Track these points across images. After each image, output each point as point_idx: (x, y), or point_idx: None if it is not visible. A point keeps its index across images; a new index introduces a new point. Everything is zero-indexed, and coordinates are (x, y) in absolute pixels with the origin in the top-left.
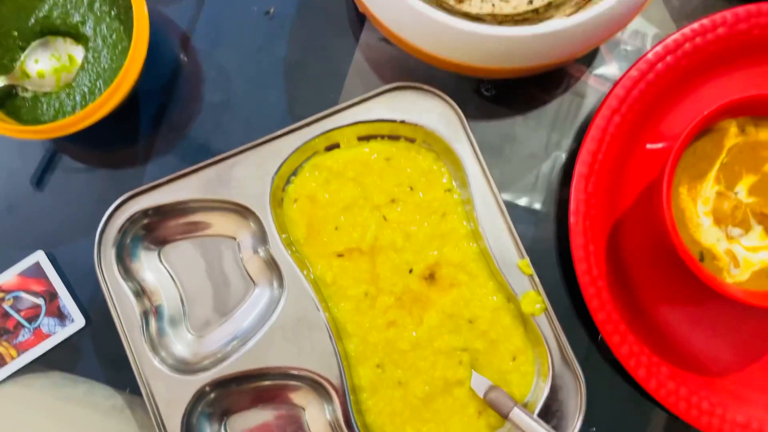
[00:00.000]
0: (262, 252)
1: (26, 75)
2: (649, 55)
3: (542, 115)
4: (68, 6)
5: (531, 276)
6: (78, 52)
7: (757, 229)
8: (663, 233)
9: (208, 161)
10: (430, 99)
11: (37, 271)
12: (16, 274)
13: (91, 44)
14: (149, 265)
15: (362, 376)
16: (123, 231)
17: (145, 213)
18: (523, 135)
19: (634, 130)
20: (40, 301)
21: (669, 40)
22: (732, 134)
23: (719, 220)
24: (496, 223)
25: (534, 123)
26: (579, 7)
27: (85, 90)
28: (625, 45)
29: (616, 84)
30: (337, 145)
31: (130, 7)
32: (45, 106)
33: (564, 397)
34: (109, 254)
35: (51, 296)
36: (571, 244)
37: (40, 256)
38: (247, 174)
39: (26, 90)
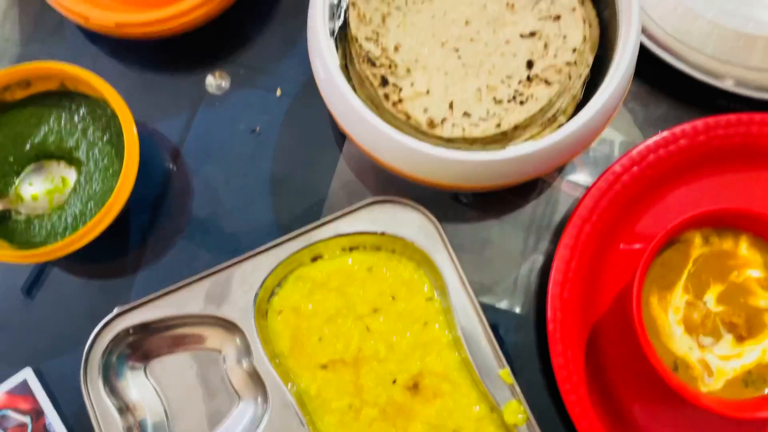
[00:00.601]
0: (246, 364)
1: (20, 198)
2: (616, 167)
3: (518, 219)
4: (63, 132)
5: (512, 385)
6: (71, 175)
7: (728, 338)
8: (635, 344)
9: (194, 277)
10: (409, 211)
11: (24, 388)
12: (3, 391)
13: (83, 168)
14: (135, 383)
15: None
16: (109, 351)
17: (130, 331)
18: (500, 239)
19: (605, 236)
20: (27, 420)
21: (634, 152)
22: (697, 245)
23: (690, 329)
24: (477, 331)
25: (510, 227)
26: (544, 127)
27: (77, 212)
28: (594, 152)
29: (585, 194)
30: (320, 257)
31: (122, 133)
32: (37, 228)
33: None
34: (95, 374)
35: (37, 414)
36: (551, 351)
37: (27, 374)
38: (233, 289)
39: (19, 213)
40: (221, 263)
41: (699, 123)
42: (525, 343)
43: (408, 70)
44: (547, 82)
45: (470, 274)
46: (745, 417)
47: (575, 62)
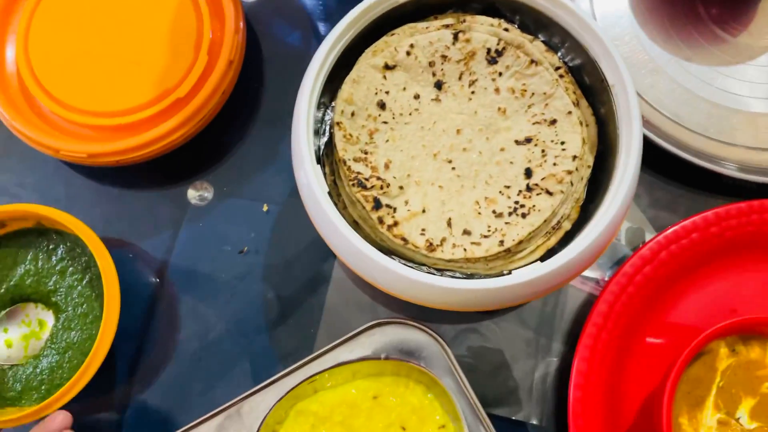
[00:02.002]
0: None
1: None
2: (627, 268)
3: (528, 322)
4: (40, 273)
5: None
6: (49, 318)
7: None
8: None
9: (190, 425)
10: (415, 332)
11: None
12: None
13: (61, 314)
14: None
15: None
16: None
17: None
18: (510, 344)
19: (622, 340)
20: None
21: (645, 250)
22: (723, 355)
23: None
24: None
25: (524, 336)
26: (549, 237)
27: (54, 363)
28: (612, 248)
29: (597, 300)
30: (321, 388)
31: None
32: (11, 381)
33: None
34: None
35: None
36: None
37: None
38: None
39: None
40: (215, 396)
41: (710, 214)
42: None
43: (401, 188)
44: (549, 192)
45: (482, 387)
46: None
47: (576, 169)
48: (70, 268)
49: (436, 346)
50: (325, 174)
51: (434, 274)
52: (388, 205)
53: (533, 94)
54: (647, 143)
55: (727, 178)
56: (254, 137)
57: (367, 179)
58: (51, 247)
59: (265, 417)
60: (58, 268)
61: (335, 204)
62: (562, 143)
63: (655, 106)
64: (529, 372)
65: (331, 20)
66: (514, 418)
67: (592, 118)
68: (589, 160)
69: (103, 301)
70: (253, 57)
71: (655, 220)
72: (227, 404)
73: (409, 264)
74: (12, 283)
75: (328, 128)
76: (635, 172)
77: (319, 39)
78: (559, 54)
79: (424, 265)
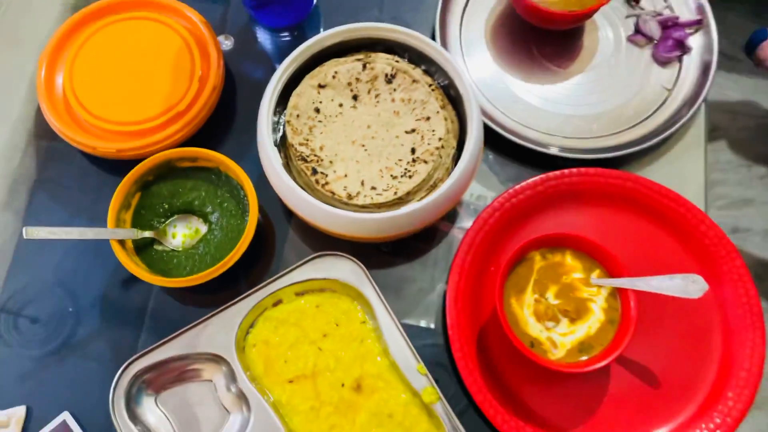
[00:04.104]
0: (233, 388)
1: (165, 234)
2: (483, 214)
3: (426, 260)
4: (206, 201)
5: (426, 375)
6: (203, 228)
7: (564, 321)
8: (504, 333)
9: (186, 327)
10: (343, 261)
11: (63, 428)
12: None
13: (213, 227)
14: (150, 411)
15: None
16: (129, 386)
17: (145, 370)
18: (413, 275)
19: (480, 263)
20: None
21: (495, 203)
22: (538, 260)
23: (539, 318)
24: (399, 342)
25: (420, 266)
26: (428, 192)
27: (197, 258)
28: (475, 206)
29: (464, 237)
30: (280, 301)
31: (247, 211)
32: (170, 261)
33: None
34: (121, 405)
35: None
36: (452, 348)
37: (66, 416)
38: (218, 330)
39: (160, 245)
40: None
41: (537, 178)
42: (436, 347)
43: (330, 162)
44: (425, 162)
45: (393, 304)
46: (578, 371)
47: (442, 146)
48: (227, 203)
49: (360, 271)
50: (280, 158)
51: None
52: (322, 173)
53: (415, 101)
54: (499, 136)
55: (553, 156)
56: (231, 139)
57: (307, 156)
58: (220, 184)
59: (240, 321)
60: (218, 200)
61: (288, 174)
62: (433, 131)
63: (504, 112)
64: (426, 294)
65: (281, 60)
66: (417, 324)
67: (455, 117)
68: (453, 143)
69: (242, 230)
70: (230, 86)
71: (507, 185)
72: (215, 311)
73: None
74: (187, 199)
75: (281, 127)
76: (474, 151)
77: (272, 73)
78: (434, 77)
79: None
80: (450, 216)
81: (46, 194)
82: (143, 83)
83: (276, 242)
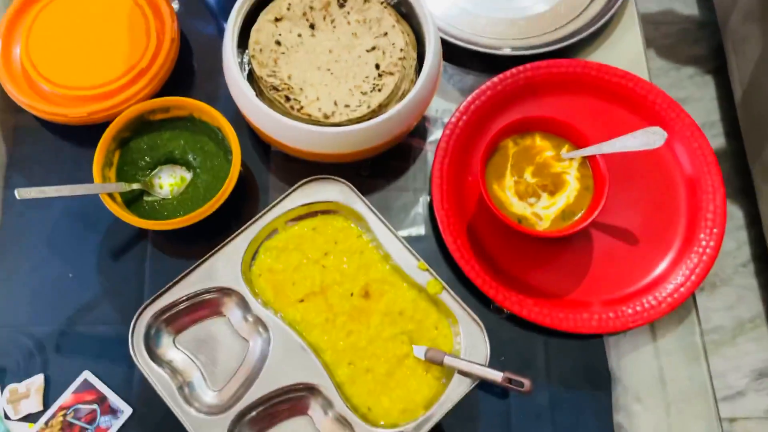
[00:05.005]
0: (248, 317)
1: (152, 185)
2: (452, 119)
3: (406, 177)
4: (186, 148)
5: (427, 270)
6: (188, 175)
7: (544, 195)
8: (493, 216)
9: (191, 267)
10: (330, 183)
11: (87, 385)
12: (71, 392)
13: (198, 171)
14: (171, 352)
15: (341, 374)
16: (147, 330)
17: (159, 312)
18: (398, 193)
19: (457, 166)
20: (95, 407)
21: (461, 106)
22: (511, 146)
23: (521, 196)
24: (396, 246)
25: (402, 183)
26: (398, 102)
27: (187, 201)
28: (442, 119)
29: (438, 143)
30: (276, 231)
31: (228, 151)
32: (163, 209)
33: (473, 342)
34: (141, 347)
35: (101, 400)
36: (446, 242)
37: (87, 374)
38: (223, 266)
39: (150, 196)
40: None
41: (496, 78)
42: (430, 245)
43: (301, 89)
44: (391, 74)
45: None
46: (564, 234)
47: (404, 57)
48: (206, 146)
49: (348, 189)
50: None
51: None
52: (295, 99)
53: (370, 20)
54: (454, 48)
55: (507, 58)
56: (196, 91)
57: (278, 86)
58: (197, 130)
59: (243, 254)
60: (198, 145)
61: None
62: (393, 44)
63: (454, 25)
64: (412, 205)
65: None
66: (408, 234)
67: (410, 31)
68: (413, 54)
69: (228, 169)
70: (185, 44)
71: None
72: (213, 250)
73: None
74: (168, 150)
75: (246, 65)
76: (435, 57)
77: (223, 29)
78: None
79: None
80: (421, 132)
81: (21, 174)
82: (102, 47)
83: (258, 183)
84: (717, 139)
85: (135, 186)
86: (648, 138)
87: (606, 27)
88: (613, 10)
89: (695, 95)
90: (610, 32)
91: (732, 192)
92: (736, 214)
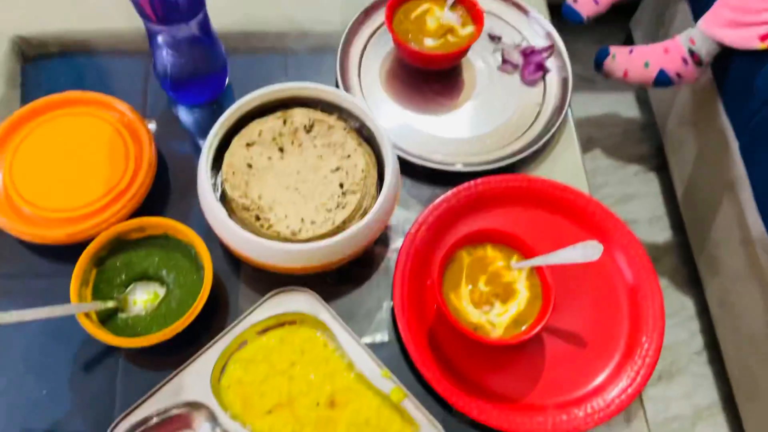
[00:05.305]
0: (217, 429)
1: (126, 303)
2: (411, 230)
3: (369, 283)
4: (160, 265)
5: (390, 378)
6: (161, 291)
7: (497, 303)
8: (450, 325)
9: (162, 382)
10: (297, 294)
11: None
12: None
13: (171, 287)
14: None
15: None
16: None
17: (131, 429)
18: (361, 300)
19: (417, 273)
20: None
21: (419, 218)
22: (465, 257)
23: (476, 304)
24: (361, 355)
25: (365, 290)
26: (361, 218)
27: (159, 318)
28: (402, 227)
29: (399, 253)
30: (245, 342)
31: (200, 268)
32: (136, 326)
33: None
34: None
35: None
36: (407, 350)
37: None
38: (192, 380)
39: (123, 312)
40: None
41: (450, 192)
42: (393, 351)
43: (270, 207)
44: (354, 192)
45: (347, 325)
46: (515, 342)
47: (366, 177)
48: (180, 263)
49: (314, 299)
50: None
51: None
52: (265, 218)
53: (335, 144)
54: (411, 164)
55: (459, 173)
56: (171, 209)
57: (249, 206)
58: (171, 248)
59: (212, 368)
60: (172, 262)
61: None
62: (356, 165)
63: (411, 143)
64: (376, 311)
65: (204, 134)
66: (371, 341)
67: (371, 152)
68: (374, 173)
69: (200, 284)
70: (162, 163)
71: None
72: (184, 364)
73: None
74: (143, 268)
75: (219, 186)
76: (394, 177)
77: (198, 146)
78: (347, 121)
79: None
80: (383, 240)
81: None
82: (83, 171)
83: (228, 296)
84: (664, 233)
85: (110, 304)
86: (587, 251)
87: (548, 144)
88: (553, 130)
89: (641, 191)
90: (551, 149)
91: (682, 283)
92: (687, 304)
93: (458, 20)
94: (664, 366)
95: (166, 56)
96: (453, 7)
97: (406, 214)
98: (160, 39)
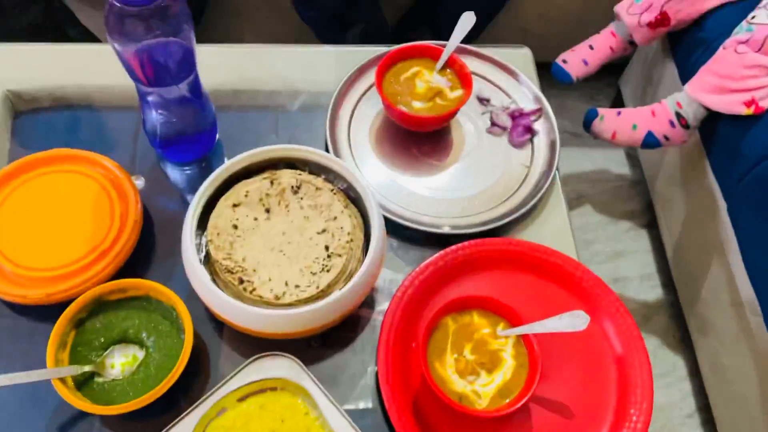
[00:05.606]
0: None
1: (104, 366)
2: (397, 293)
3: (354, 347)
4: (140, 327)
5: None
6: (140, 353)
7: (483, 373)
8: (435, 394)
9: None
10: (279, 359)
11: None
12: None
13: (150, 351)
14: None
15: None
16: None
17: None
18: (346, 363)
19: (402, 338)
20: None
21: (406, 281)
22: (450, 324)
23: (461, 374)
24: (342, 424)
25: (350, 354)
26: (346, 282)
27: (138, 383)
28: (388, 289)
29: (384, 317)
30: (225, 409)
31: (181, 330)
32: (113, 390)
33: None
34: None
35: None
36: (391, 419)
37: None
38: None
39: (101, 376)
40: None
41: (437, 255)
42: (376, 419)
43: (254, 270)
44: (339, 255)
45: (330, 392)
46: (502, 414)
47: (351, 240)
48: (160, 326)
49: (296, 365)
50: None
51: None
52: (248, 281)
53: (321, 205)
54: (398, 225)
55: (447, 235)
56: (155, 268)
57: (233, 268)
58: (152, 309)
59: None
60: (152, 325)
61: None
62: (342, 227)
63: (399, 204)
64: (360, 376)
65: (192, 191)
66: (355, 407)
67: (358, 214)
68: (360, 236)
69: (180, 348)
70: (148, 220)
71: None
72: (164, 430)
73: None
74: (122, 329)
75: (204, 247)
76: (380, 240)
77: (186, 203)
78: (334, 183)
79: None
80: (369, 302)
81: None
82: (67, 229)
83: (209, 357)
84: (655, 291)
85: (87, 368)
86: (573, 321)
87: (535, 207)
88: (541, 193)
89: (631, 248)
90: (539, 211)
91: (673, 342)
92: (678, 364)
93: (447, 83)
94: (655, 429)
95: (155, 115)
96: (442, 70)
97: (393, 275)
98: (150, 99)
